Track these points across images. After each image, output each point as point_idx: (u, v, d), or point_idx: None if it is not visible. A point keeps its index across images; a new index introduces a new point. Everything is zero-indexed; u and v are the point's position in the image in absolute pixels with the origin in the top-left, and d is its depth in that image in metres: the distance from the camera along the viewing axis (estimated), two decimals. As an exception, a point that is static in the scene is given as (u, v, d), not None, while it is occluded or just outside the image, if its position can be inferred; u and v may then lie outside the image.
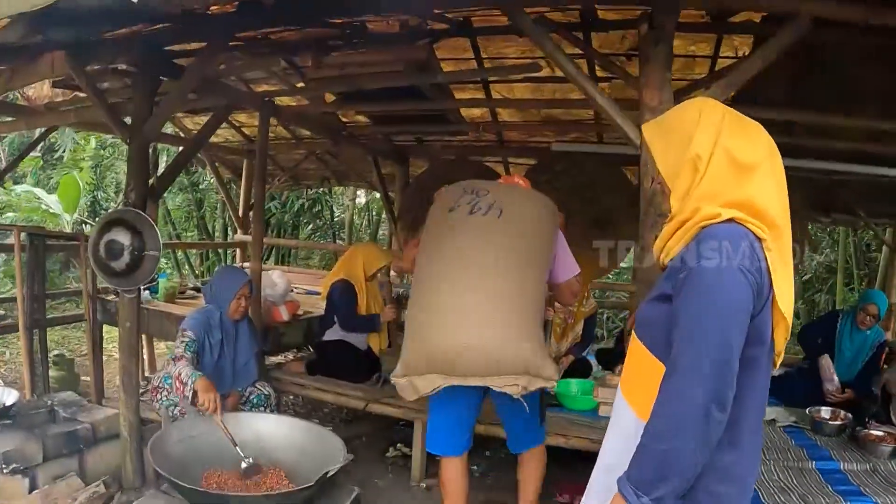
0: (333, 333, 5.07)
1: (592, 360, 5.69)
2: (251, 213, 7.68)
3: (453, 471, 3.07)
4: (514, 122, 6.58)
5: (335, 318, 5.04)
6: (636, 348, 1.65)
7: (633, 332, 1.71)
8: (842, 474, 3.67)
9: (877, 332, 5.16)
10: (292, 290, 6.00)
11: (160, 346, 6.97)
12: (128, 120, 3.86)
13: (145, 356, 6.45)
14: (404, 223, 7.34)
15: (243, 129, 7.75)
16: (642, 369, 1.61)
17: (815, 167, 5.80)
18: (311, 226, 12.79)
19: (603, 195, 6.46)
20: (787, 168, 1.64)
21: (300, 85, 4.92)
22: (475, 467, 4.80)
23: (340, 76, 4.65)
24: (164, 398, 3.85)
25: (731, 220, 1.51)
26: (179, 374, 3.56)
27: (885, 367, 4.90)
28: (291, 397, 5.78)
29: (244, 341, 4.08)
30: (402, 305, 5.07)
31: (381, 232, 12.70)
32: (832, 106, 4.44)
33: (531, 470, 3.27)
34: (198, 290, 6.18)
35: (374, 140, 7.30)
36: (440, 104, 5.35)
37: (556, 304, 5.20)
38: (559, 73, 5.15)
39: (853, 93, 4.40)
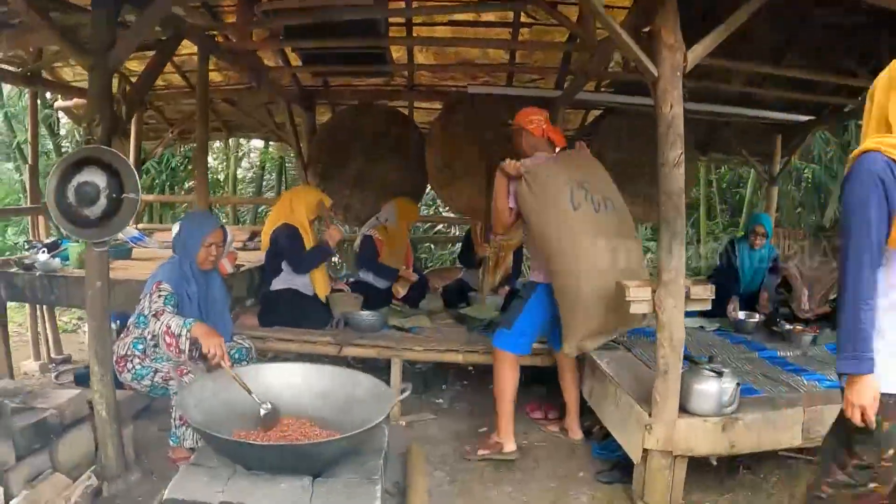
0: (281, 282, 4.97)
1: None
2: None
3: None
4: (428, 65, 6.61)
5: (282, 266, 4.87)
6: None
7: None
8: (781, 359, 4.25)
9: (769, 248, 5.78)
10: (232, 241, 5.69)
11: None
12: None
13: (49, 334, 5.94)
14: (314, 172, 7.16)
15: (131, 79, 7.15)
16: None
17: (706, 109, 6.45)
18: (184, 185, 12.08)
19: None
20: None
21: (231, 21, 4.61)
22: (440, 400, 4.88)
23: (300, 8, 4.38)
24: (136, 367, 3.52)
25: None
26: (168, 327, 3.23)
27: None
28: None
29: (217, 292, 3.83)
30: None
31: (264, 185, 12.21)
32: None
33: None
34: None
35: (283, 85, 7.00)
36: (377, 40, 5.20)
37: (491, 239, 5.43)
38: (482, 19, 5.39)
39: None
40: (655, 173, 3.04)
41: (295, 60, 6.35)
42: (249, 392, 2.80)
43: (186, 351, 3.23)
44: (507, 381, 3.91)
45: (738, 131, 7.45)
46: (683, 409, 3.19)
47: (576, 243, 3.49)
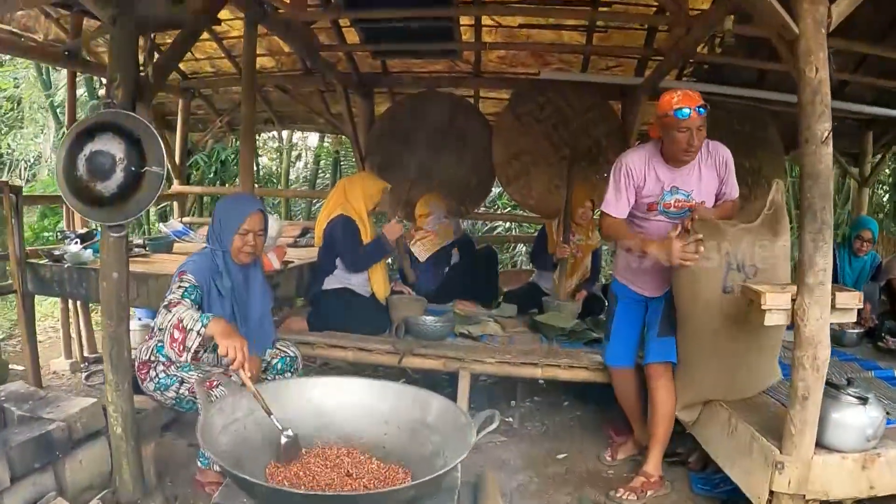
0: (334, 281, 4.42)
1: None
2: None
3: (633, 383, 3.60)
4: (497, 43, 5.98)
5: (336, 262, 4.32)
6: None
7: None
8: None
9: (873, 256, 5.28)
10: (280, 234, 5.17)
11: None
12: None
13: (83, 331, 5.50)
14: (372, 165, 6.62)
15: (179, 65, 6.72)
16: None
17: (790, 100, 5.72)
18: (237, 180, 11.66)
19: (591, 127, 6.12)
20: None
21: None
22: (510, 419, 4.26)
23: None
24: (160, 375, 2.97)
25: None
26: (180, 320, 2.61)
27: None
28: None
29: (257, 291, 3.24)
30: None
31: (318, 182, 11.69)
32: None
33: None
34: (143, 246, 5.27)
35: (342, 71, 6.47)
36: (445, 10, 4.61)
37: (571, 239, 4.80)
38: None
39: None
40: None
41: (352, 38, 5.79)
42: (269, 413, 2.14)
43: (192, 350, 2.60)
44: (631, 397, 3.63)
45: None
46: (818, 443, 2.60)
47: (712, 330, 3.04)
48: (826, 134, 2.36)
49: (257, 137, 11.46)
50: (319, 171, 11.85)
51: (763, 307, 2.45)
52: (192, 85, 7.24)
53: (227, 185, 11.34)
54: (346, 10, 4.67)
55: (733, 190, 3.28)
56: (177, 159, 7.41)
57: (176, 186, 7.44)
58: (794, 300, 2.46)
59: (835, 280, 4.85)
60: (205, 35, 5.87)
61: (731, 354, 3.07)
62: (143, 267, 4.35)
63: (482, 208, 8.05)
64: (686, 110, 2.97)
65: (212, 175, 10.90)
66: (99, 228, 5.07)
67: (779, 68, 5.43)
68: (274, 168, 12.32)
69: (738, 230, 2.96)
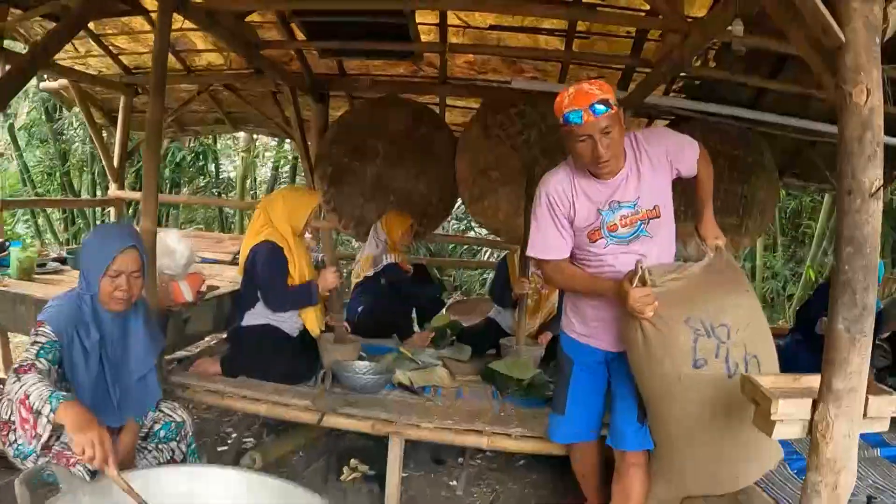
0: (256, 316, 3.75)
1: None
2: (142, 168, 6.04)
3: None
4: (463, 44, 5.36)
5: (258, 295, 3.67)
6: None
7: None
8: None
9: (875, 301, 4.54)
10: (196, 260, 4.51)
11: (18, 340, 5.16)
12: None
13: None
14: (322, 175, 5.99)
15: (121, 58, 6.09)
16: None
17: (790, 124, 5.43)
18: (193, 183, 10.99)
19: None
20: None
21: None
22: (453, 482, 3.65)
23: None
24: (20, 442, 2.28)
25: None
26: (27, 396, 2.04)
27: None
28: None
29: (139, 346, 2.57)
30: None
31: (277, 188, 11.02)
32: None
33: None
34: (63, 261, 4.71)
35: (288, 70, 5.84)
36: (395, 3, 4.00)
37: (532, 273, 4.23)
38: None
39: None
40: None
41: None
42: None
43: (45, 438, 2.09)
44: (588, 473, 3.00)
45: (826, 152, 6.17)
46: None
47: (686, 415, 2.37)
48: (877, 185, 1.67)
49: (211, 142, 10.82)
50: (280, 179, 11.16)
51: (773, 417, 1.81)
52: (135, 81, 6.57)
53: (182, 189, 10.70)
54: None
55: (690, 161, 2.56)
56: (115, 161, 6.75)
57: (112, 191, 6.77)
58: (814, 405, 1.79)
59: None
60: (146, 26, 5.23)
61: (712, 442, 2.37)
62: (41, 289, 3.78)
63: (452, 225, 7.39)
64: (577, 113, 2.27)
65: (166, 177, 10.25)
66: (16, 240, 4.48)
67: (782, 88, 4.96)
68: (233, 168, 11.64)
69: (692, 285, 2.37)
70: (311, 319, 3.87)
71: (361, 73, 6.19)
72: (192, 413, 3.08)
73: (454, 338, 4.71)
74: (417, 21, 4.87)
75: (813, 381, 1.84)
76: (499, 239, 6.39)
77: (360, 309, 4.81)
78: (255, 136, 9.98)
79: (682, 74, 5.42)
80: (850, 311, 1.69)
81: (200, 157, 10.62)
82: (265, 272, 3.62)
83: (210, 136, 10.27)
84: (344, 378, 3.55)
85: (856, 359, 1.70)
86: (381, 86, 6.16)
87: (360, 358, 3.89)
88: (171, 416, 2.67)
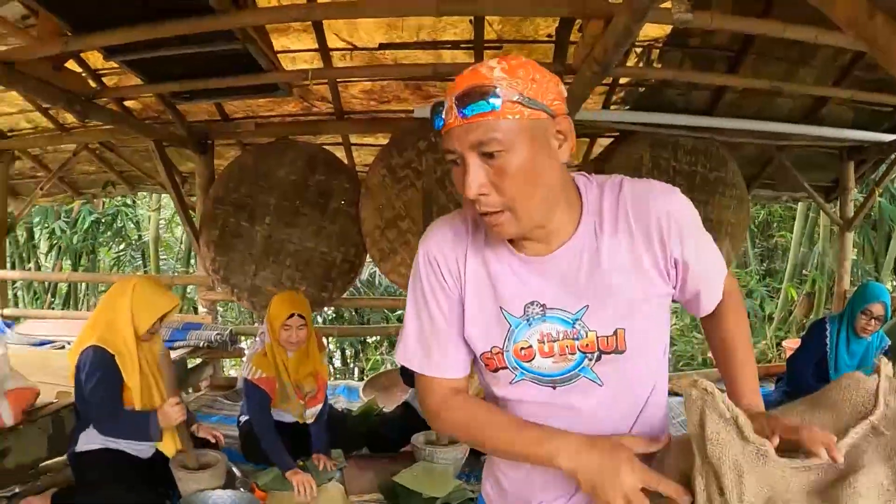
0: (93, 437, 2.89)
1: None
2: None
3: None
4: (353, 67, 4.45)
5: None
6: None
7: None
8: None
9: (880, 336, 4.04)
10: (17, 373, 3.40)
11: None
12: None
13: None
14: (208, 241, 5.01)
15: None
16: None
17: (758, 129, 4.89)
18: (112, 249, 9.97)
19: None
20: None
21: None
22: None
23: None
24: None
25: None
26: None
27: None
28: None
29: None
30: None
31: (193, 256, 9.96)
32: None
33: None
34: None
35: (154, 118, 4.92)
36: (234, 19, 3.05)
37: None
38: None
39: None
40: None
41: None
42: None
43: None
44: None
45: (798, 158, 5.52)
46: None
47: None
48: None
49: (127, 202, 9.81)
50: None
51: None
52: (10, 146, 5.65)
53: (100, 253, 9.68)
54: (74, 35, 3.07)
55: (709, 267, 1.25)
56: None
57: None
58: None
59: (825, 373, 3.90)
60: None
61: None
62: None
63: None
64: (439, 115, 1.10)
65: (79, 243, 9.25)
66: None
67: (744, 84, 4.31)
68: (145, 227, 10.58)
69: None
70: (166, 437, 2.94)
71: (246, 115, 5.25)
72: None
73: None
74: (285, 47, 4.07)
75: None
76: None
77: (243, 419, 3.68)
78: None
79: (621, 82, 4.56)
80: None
81: (116, 218, 9.58)
82: (90, 389, 2.79)
83: (127, 196, 9.30)
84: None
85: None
86: (269, 128, 5.22)
87: (229, 479, 3.01)
88: None
